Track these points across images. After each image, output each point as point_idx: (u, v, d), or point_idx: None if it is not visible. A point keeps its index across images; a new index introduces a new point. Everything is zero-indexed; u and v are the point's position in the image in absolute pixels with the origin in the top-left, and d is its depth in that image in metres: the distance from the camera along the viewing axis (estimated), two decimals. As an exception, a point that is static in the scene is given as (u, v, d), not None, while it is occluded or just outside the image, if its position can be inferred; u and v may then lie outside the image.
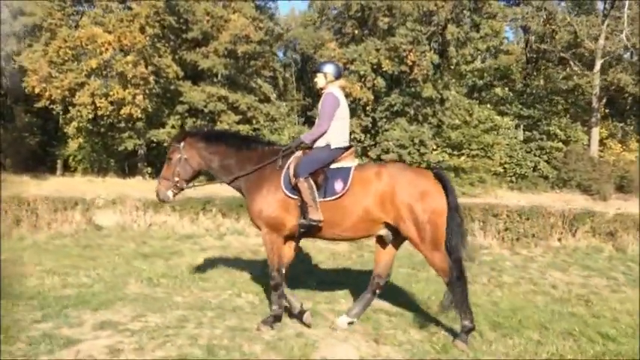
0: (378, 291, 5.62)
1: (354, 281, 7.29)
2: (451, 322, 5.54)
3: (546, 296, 7.39)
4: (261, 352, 4.76)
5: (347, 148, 5.35)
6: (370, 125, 26.49)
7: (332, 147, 5.26)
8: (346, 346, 4.97)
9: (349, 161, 5.31)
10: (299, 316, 5.44)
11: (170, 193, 5.56)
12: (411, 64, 25.15)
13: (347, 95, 25.69)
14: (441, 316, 5.66)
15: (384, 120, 26.07)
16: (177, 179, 5.51)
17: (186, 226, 10.61)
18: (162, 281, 6.89)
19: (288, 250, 5.56)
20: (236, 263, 8.01)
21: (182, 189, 5.61)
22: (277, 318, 5.35)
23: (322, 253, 9.32)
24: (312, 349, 4.82)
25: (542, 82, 27.42)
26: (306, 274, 7.72)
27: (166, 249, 9.04)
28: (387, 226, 5.23)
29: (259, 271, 7.33)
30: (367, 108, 26.37)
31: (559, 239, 10.30)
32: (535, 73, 27.55)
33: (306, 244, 9.58)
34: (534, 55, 28.09)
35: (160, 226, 10.59)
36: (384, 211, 5.11)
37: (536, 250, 9.91)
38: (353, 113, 26.69)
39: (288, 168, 5.23)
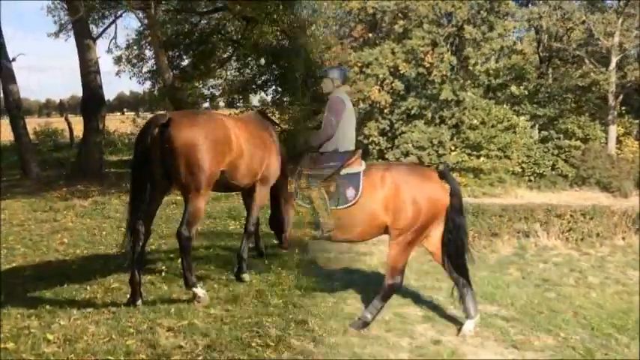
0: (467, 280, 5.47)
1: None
2: (580, 326, 5.49)
3: (643, 296, 7.39)
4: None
5: (353, 152, 5.35)
6: (388, 128, 26.44)
7: (340, 151, 5.27)
8: (489, 352, 4.91)
9: (357, 165, 5.29)
10: None
11: None
12: (428, 65, 25.21)
13: (365, 98, 25.79)
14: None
15: (401, 122, 25.99)
16: None
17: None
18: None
19: None
20: (318, 269, 7.88)
21: None
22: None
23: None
24: (460, 355, 4.76)
25: (555, 80, 27.45)
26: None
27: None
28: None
29: (347, 277, 7.22)
30: (385, 111, 26.34)
31: (623, 238, 10.29)
32: (549, 72, 27.59)
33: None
34: (547, 54, 28.17)
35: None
36: (388, 216, 5.09)
37: (603, 249, 9.90)
38: (371, 116, 26.71)
39: (299, 176, 5.24)
